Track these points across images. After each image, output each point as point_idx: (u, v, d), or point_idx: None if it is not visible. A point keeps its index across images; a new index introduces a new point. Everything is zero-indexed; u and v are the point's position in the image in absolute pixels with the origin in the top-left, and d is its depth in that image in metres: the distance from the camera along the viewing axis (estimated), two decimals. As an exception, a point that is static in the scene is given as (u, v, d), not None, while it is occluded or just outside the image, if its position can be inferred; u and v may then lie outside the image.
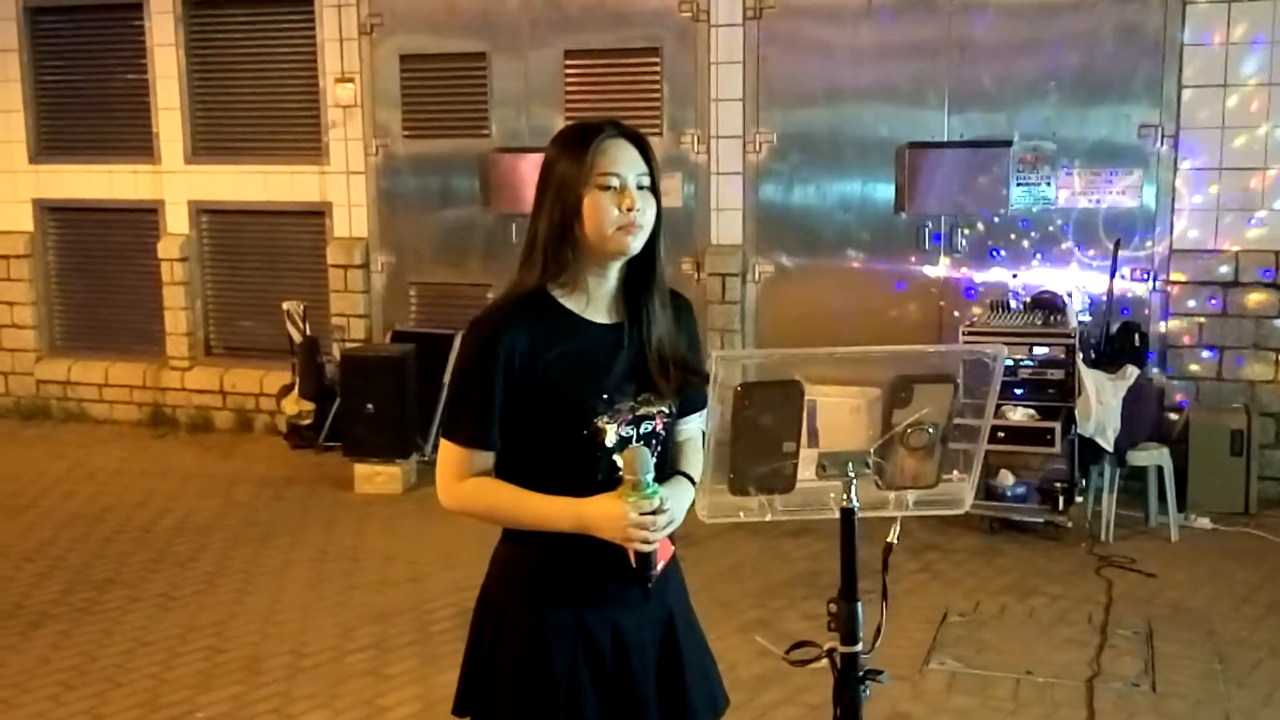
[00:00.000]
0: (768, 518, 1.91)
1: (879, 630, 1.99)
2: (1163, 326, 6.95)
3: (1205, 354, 6.87)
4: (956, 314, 7.14)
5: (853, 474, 1.88)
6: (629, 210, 2.26)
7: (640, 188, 2.30)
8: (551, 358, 2.25)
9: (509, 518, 2.34)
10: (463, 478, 2.35)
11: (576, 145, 2.30)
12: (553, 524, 2.26)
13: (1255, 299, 6.76)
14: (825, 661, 2.00)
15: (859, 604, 1.96)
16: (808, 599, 5.36)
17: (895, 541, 1.96)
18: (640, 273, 2.35)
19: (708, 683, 2.43)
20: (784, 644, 2.26)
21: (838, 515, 1.89)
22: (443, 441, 2.38)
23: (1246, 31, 6.63)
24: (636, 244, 2.30)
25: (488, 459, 2.33)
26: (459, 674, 2.52)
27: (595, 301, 2.35)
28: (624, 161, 2.30)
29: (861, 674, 1.97)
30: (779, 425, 1.79)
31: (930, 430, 1.83)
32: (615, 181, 2.28)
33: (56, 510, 7.10)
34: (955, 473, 1.88)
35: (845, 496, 1.89)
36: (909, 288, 7.37)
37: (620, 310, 2.36)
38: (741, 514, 1.89)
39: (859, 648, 1.97)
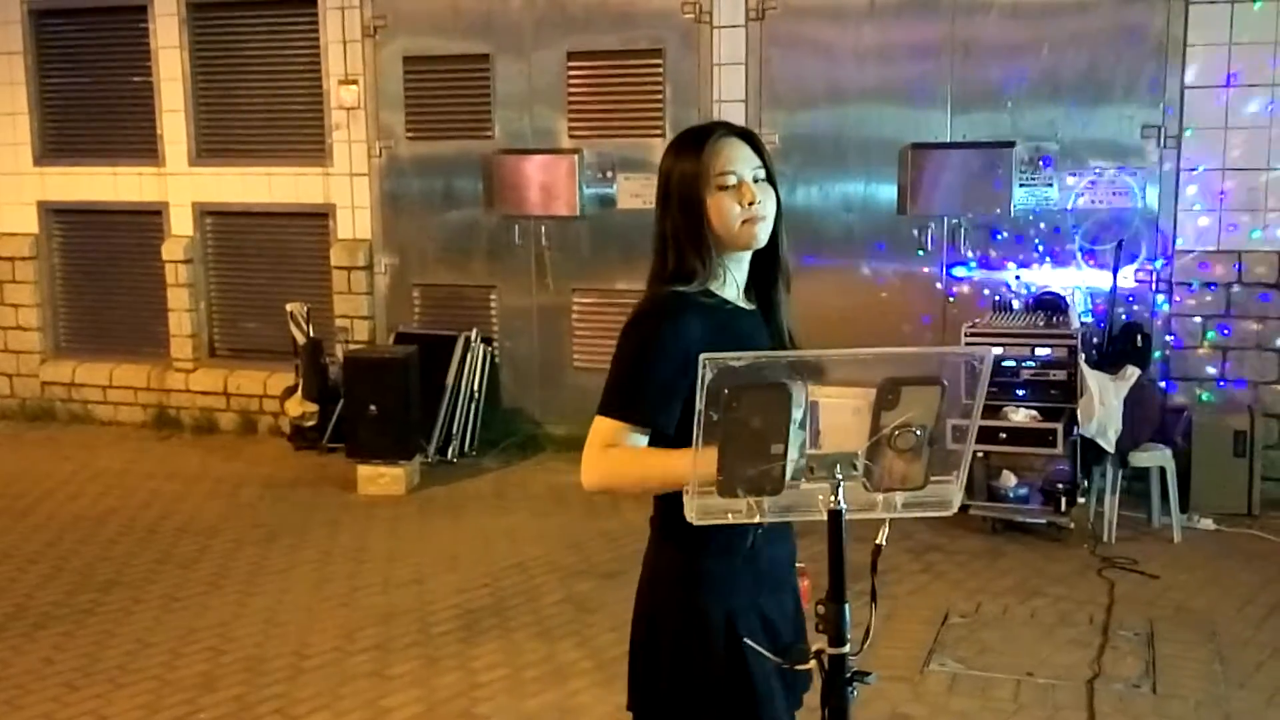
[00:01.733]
0: (756, 519, 1.92)
1: (868, 632, 2.00)
2: (1165, 327, 6.94)
3: (1208, 354, 6.86)
4: (959, 315, 7.13)
5: (840, 476, 1.89)
6: (750, 204, 2.36)
7: (757, 180, 2.39)
8: (724, 343, 2.24)
9: (658, 475, 2.29)
10: (606, 449, 2.34)
11: (691, 150, 2.40)
12: (667, 482, 2.25)
13: (1258, 300, 6.74)
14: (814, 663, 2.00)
15: (847, 605, 1.97)
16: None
17: (884, 544, 1.97)
18: (766, 262, 2.46)
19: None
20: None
21: (825, 517, 1.89)
22: (598, 419, 2.34)
23: (1249, 32, 6.62)
24: (763, 234, 2.40)
25: (640, 442, 2.33)
26: (629, 693, 2.53)
27: (738, 291, 2.47)
28: (738, 159, 2.38)
29: (849, 675, 1.97)
30: (767, 427, 1.80)
31: (918, 432, 1.83)
32: (733, 179, 2.37)
33: (61, 512, 7.12)
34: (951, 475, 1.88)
35: (833, 499, 1.90)
36: (912, 288, 7.37)
37: (751, 297, 2.49)
38: (730, 515, 1.90)
39: (847, 649, 1.97)
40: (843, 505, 1.90)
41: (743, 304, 2.47)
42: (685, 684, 2.37)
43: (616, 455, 2.29)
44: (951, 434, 1.96)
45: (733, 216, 2.36)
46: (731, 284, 2.45)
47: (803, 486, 1.90)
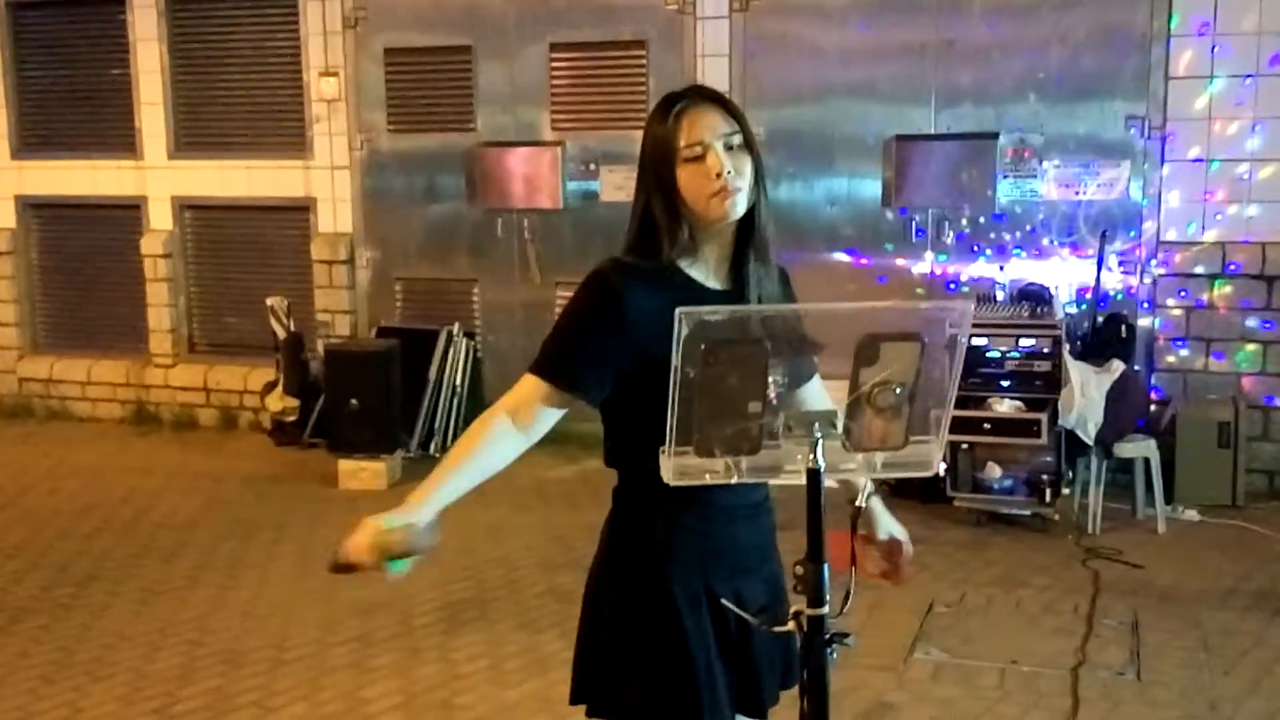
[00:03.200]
0: (734, 480, 1.88)
1: (848, 594, 1.96)
2: (1149, 319, 6.93)
3: (1192, 346, 6.85)
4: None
5: (819, 434, 1.85)
6: (718, 175, 2.22)
7: (730, 148, 2.25)
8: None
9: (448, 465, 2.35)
10: (516, 412, 2.31)
11: (660, 120, 2.28)
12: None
13: (1242, 291, 6.74)
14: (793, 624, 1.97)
15: (825, 565, 1.93)
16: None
17: (864, 505, 1.94)
18: (745, 236, 2.32)
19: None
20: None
21: (804, 478, 1.86)
22: (525, 375, 2.31)
23: (1232, 24, 6.62)
24: (737, 207, 2.26)
25: (554, 413, 2.30)
26: (573, 662, 2.47)
27: (715, 269, 2.34)
28: (706, 127, 2.25)
29: (828, 636, 1.94)
30: (744, 385, 1.75)
31: (897, 390, 1.79)
32: (699, 149, 2.24)
33: (39, 508, 7.04)
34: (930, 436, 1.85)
35: (811, 457, 1.86)
36: (895, 281, 7.34)
37: (726, 273, 2.36)
38: (708, 476, 1.86)
39: (825, 610, 1.94)
40: (821, 464, 1.86)
41: (714, 283, 2.33)
42: (623, 650, 2.33)
43: (465, 441, 2.33)
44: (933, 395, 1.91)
45: (702, 190, 2.24)
46: (704, 261, 2.33)
47: (781, 446, 1.86)
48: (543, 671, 4.71)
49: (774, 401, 1.90)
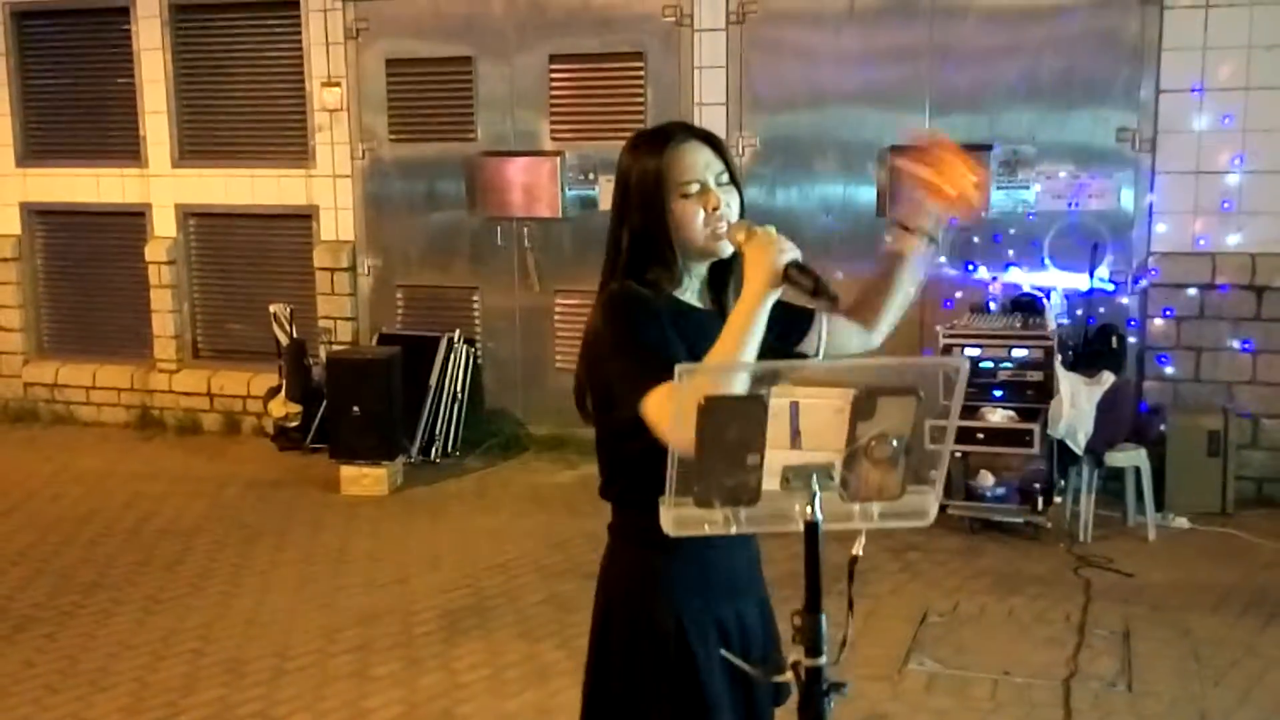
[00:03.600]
0: (733, 530, 1.93)
1: (845, 641, 2.02)
2: (1139, 329, 7.00)
3: (1182, 356, 6.93)
4: (936, 316, 7.18)
5: (817, 487, 1.92)
6: (714, 210, 2.29)
7: (720, 184, 2.32)
8: (689, 344, 2.23)
9: (733, 369, 2.09)
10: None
11: (652, 153, 2.31)
12: (756, 319, 2.13)
13: (1231, 301, 6.82)
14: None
15: (823, 616, 1.99)
16: (788, 600, 5.41)
17: (860, 554, 1.99)
18: (725, 262, 2.37)
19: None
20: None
21: (801, 528, 1.92)
22: (646, 403, 2.10)
23: (1223, 36, 6.69)
24: (727, 246, 2.31)
25: None
26: (583, 691, 2.50)
27: (698, 293, 2.40)
28: (700, 164, 2.31)
29: (826, 686, 2.00)
30: (743, 438, 1.81)
31: (894, 443, 1.86)
32: (695, 187, 2.30)
33: (43, 513, 7.12)
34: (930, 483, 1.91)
35: (809, 510, 1.93)
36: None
37: (708, 298, 2.42)
38: (706, 527, 1.91)
39: (823, 660, 1.99)
40: (819, 517, 1.93)
41: (701, 304, 2.40)
42: (635, 688, 2.34)
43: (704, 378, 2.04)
44: (929, 435, 1.97)
45: (698, 226, 2.30)
46: (692, 288, 2.39)
47: (779, 497, 1.92)
48: (542, 681, 4.78)
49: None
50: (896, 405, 1.84)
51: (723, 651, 2.24)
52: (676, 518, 1.88)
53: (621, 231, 2.34)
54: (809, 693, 1.98)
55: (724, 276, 2.40)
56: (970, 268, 7.20)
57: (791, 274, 2.13)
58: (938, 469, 1.94)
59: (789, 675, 2.00)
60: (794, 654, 1.99)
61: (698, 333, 2.26)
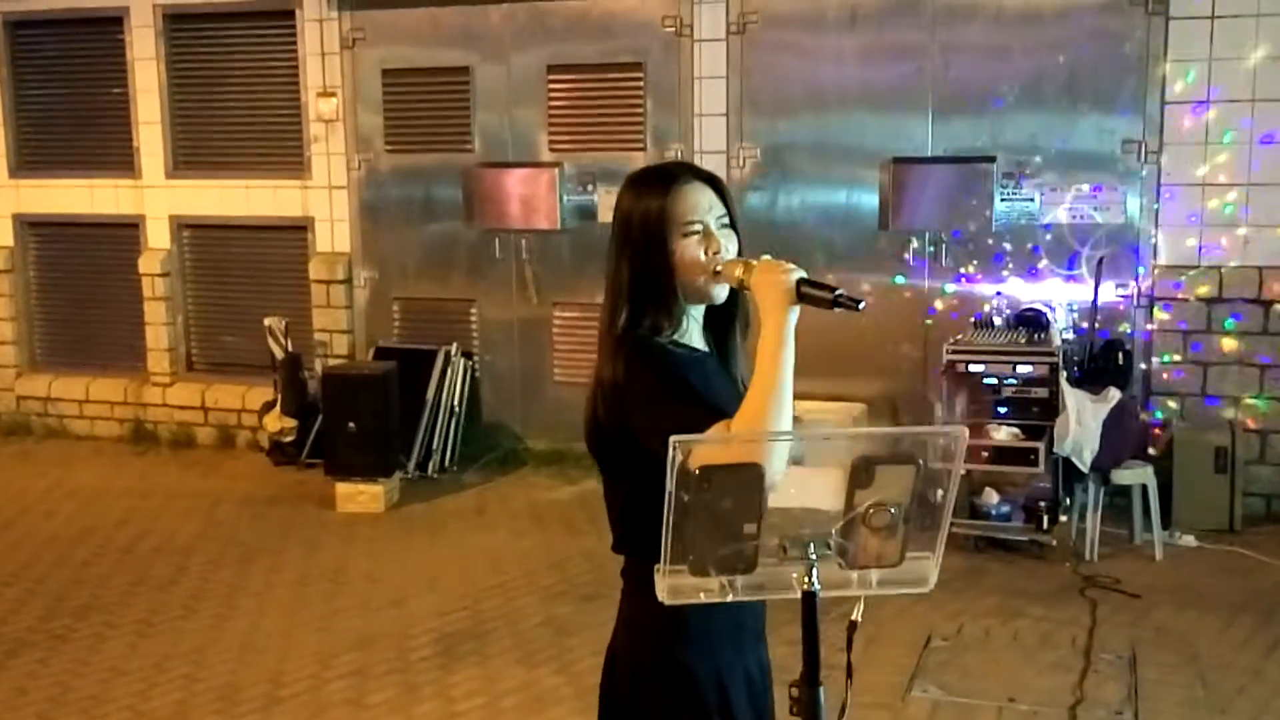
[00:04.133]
0: (729, 598, 1.89)
1: (844, 708, 1.96)
2: (1145, 343, 6.93)
3: (1189, 370, 6.85)
4: (941, 330, 7.11)
5: (814, 555, 1.86)
6: (715, 254, 2.27)
7: (721, 227, 2.30)
8: (699, 387, 2.22)
9: (781, 398, 2.08)
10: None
11: (655, 192, 2.30)
12: (786, 345, 2.11)
13: (1237, 316, 6.74)
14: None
15: (821, 689, 1.93)
16: (789, 624, 5.34)
17: (859, 620, 1.94)
18: (724, 305, 2.35)
19: None
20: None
21: (799, 597, 1.86)
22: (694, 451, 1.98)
23: (1229, 48, 6.61)
24: (724, 289, 2.31)
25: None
26: None
27: (697, 336, 2.38)
28: (704, 206, 2.30)
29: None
30: (739, 507, 1.76)
31: (893, 510, 1.80)
32: (698, 228, 2.28)
33: (36, 531, 7.05)
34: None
35: (807, 579, 1.86)
36: (893, 303, 7.34)
37: (708, 339, 2.39)
38: (702, 595, 1.86)
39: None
40: (817, 586, 1.87)
41: (702, 346, 2.38)
42: None
43: (749, 414, 2.06)
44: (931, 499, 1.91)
45: (698, 267, 2.27)
46: (692, 331, 2.36)
47: (776, 566, 1.86)
48: (540, 709, 4.71)
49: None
50: (895, 474, 1.80)
51: None
52: (671, 587, 1.83)
53: (622, 271, 2.31)
54: None
55: (720, 320, 2.39)
56: (979, 269, 7.13)
57: (806, 290, 2.12)
58: (939, 534, 1.88)
59: None
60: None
61: (706, 375, 2.26)
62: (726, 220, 2.32)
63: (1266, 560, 6.19)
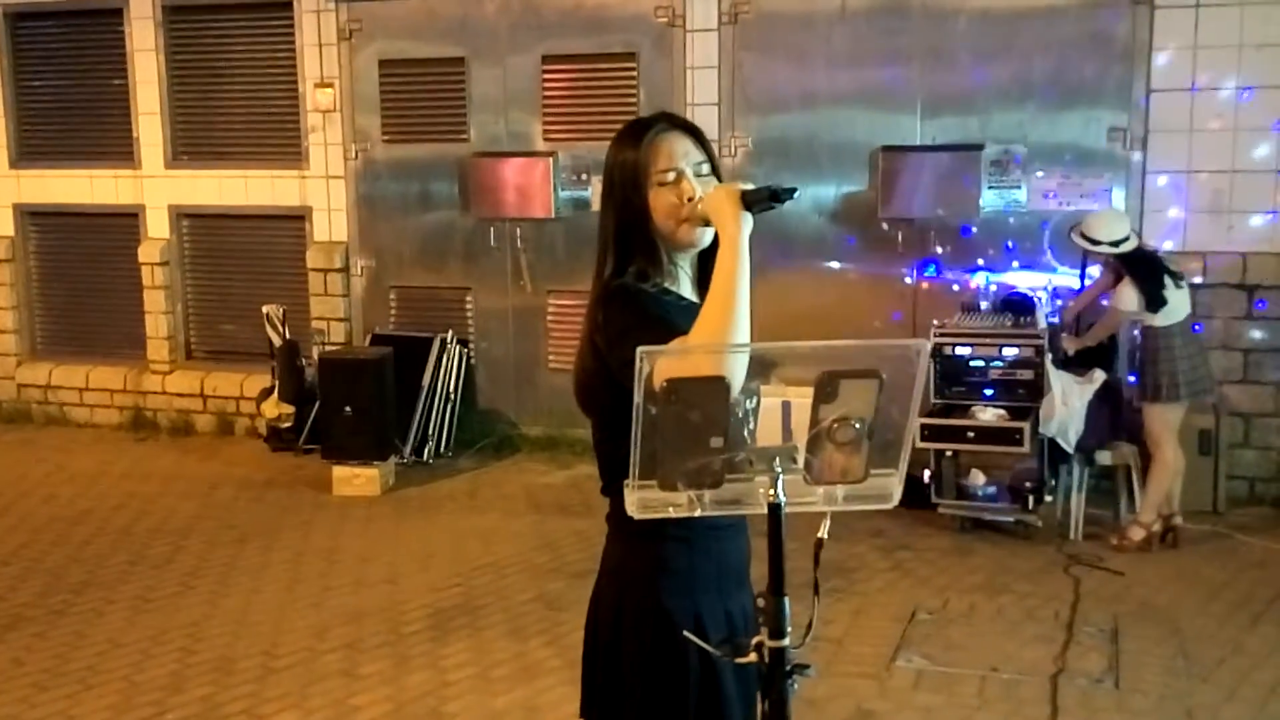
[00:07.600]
0: (697, 513, 1.93)
1: (810, 625, 2.01)
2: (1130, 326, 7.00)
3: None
4: (928, 315, 7.17)
5: (779, 469, 1.92)
6: (689, 200, 2.29)
7: (699, 175, 2.33)
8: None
9: (738, 308, 2.13)
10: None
11: (631, 145, 2.34)
12: (739, 264, 2.15)
13: (1223, 300, 6.81)
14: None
15: (786, 599, 1.99)
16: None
17: (826, 537, 1.99)
18: (711, 256, 2.31)
19: None
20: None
21: (765, 510, 1.92)
22: (654, 363, 1.97)
23: (1213, 36, 6.69)
24: (705, 235, 2.32)
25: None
26: (585, 681, 2.51)
27: (689, 285, 2.41)
28: (679, 154, 2.33)
29: (789, 668, 1.99)
30: (706, 421, 1.81)
31: (857, 425, 1.85)
32: (671, 175, 2.31)
33: (35, 514, 7.12)
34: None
35: (772, 491, 1.92)
36: (882, 289, 7.41)
37: (700, 294, 2.40)
38: (671, 509, 1.91)
39: (787, 642, 1.99)
40: (782, 498, 1.93)
41: (692, 296, 2.40)
42: (653, 680, 2.31)
43: (702, 329, 2.12)
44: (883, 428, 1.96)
45: (673, 215, 2.31)
46: (684, 279, 2.40)
47: (743, 480, 1.92)
48: (530, 679, 4.78)
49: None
50: (859, 388, 1.83)
51: (685, 633, 2.23)
52: (641, 500, 1.89)
53: (607, 222, 2.36)
54: (772, 674, 1.98)
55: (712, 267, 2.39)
56: (967, 256, 7.20)
57: (749, 196, 2.18)
58: (902, 451, 1.93)
59: (753, 657, 2.00)
60: (758, 635, 1.99)
61: (690, 320, 2.24)
62: (707, 168, 2.36)
63: (1249, 540, 6.26)
